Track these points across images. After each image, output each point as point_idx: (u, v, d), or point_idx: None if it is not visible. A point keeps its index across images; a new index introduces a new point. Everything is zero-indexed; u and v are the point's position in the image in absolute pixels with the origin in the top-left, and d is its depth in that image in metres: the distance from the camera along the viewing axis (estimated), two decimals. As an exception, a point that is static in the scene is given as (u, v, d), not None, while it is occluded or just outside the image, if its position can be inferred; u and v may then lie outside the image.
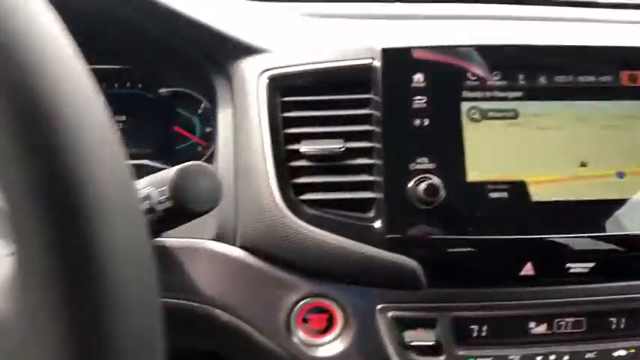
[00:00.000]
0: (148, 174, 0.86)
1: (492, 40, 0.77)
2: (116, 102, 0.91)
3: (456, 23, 0.93)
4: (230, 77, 0.77)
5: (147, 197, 0.52)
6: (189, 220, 0.58)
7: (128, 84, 0.92)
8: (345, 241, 0.67)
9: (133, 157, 0.87)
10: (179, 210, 0.53)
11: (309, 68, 0.72)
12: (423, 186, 0.64)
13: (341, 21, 0.92)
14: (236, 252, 0.73)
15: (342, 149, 0.70)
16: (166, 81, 0.91)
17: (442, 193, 0.66)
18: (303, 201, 0.70)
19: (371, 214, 0.69)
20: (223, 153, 0.76)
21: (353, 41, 0.78)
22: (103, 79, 0.89)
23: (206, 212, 0.56)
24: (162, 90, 0.90)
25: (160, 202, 0.51)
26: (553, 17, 0.96)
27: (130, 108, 0.91)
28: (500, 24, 0.89)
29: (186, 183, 0.52)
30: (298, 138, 0.72)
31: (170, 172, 0.53)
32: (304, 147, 0.70)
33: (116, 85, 0.92)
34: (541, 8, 1.06)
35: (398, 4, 1.08)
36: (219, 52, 0.77)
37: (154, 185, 0.52)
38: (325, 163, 0.71)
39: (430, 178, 0.66)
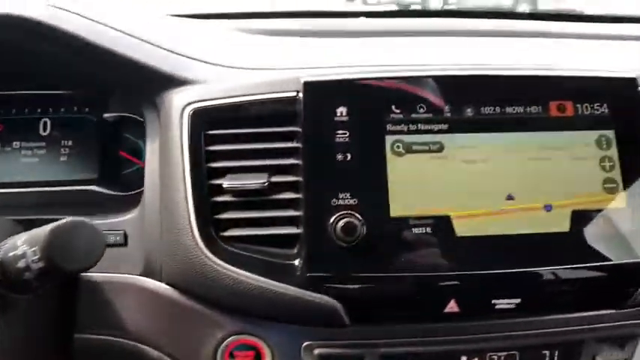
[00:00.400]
0: (93, 200, 0.86)
1: (430, 67, 0.75)
2: (63, 126, 0.90)
3: (399, 45, 0.92)
4: (158, 109, 0.76)
5: (23, 255, 0.50)
6: (70, 277, 0.56)
7: (75, 108, 0.91)
8: (265, 280, 0.66)
9: (79, 183, 0.86)
10: (53, 269, 0.51)
11: (234, 101, 0.71)
12: (341, 223, 0.63)
13: (276, 41, 0.91)
14: (162, 288, 0.72)
15: (266, 184, 0.69)
16: (111, 106, 0.90)
17: (362, 230, 0.65)
18: (226, 238, 0.69)
19: (294, 250, 0.67)
20: (150, 186, 0.75)
21: (284, 66, 0.78)
22: (49, 103, 0.89)
23: (86, 269, 0.54)
24: (108, 115, 0.89)
25: (34, 262, 0.50)
26: (515, 31, 0.96)
27: (77, 132, 0.90)
28: (444, 45, 0.89)
29: (60, 242, 0.50)
30: (222, 172, 0.71)
31: (45, 230, 0.52)
32: (227, 182, 0.69)
33: (62, 109, 0.91)
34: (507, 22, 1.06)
35: (362, 18, 1.08)
36: (146, 85, 0.76)
37: (29, 243, 0.51)
38: (249, 198, 0.70)
39: (351, 215, 0.65)
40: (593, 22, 1.15)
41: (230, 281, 0.66)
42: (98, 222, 0.75)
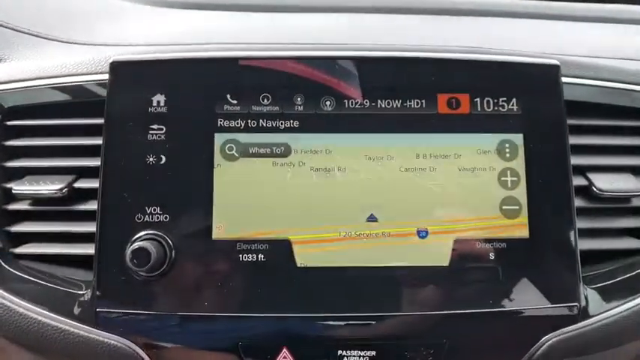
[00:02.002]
0: None
1: (284, 46, 0.59)
2: None
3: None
4: None
5: None
6: None
7: None
8: (51, 315, 0.52)
9: None
10: None
11: (36, 84, 0.57)
12: (131, 248, 0.49)
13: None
14: None
15: (65, 190, 0.55)
16: None
17: (171, 256, 0.50)
18: (19, 256, 0.56)
19: (91, 277, 0.53)
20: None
21: (140, 43, 0.63)
22: None
23: None
24: None
25: None
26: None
27: None
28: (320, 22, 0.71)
29: None
30: (21, 173, 0.57)
31: None
32: (19, 187, 0.55)
33: None
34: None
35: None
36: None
37: None
38: (48, 207, 0.56)
39: (154, 238, 0.50)
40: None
41: (12, 315, 0.52)
42: None
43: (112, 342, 0.51)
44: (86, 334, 0.51)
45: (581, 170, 0.58)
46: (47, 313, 0.52)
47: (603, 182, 0.57)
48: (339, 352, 0.51)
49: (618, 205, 0.57)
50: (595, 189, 0.57)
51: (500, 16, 0.81)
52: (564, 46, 0.69)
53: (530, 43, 0.64)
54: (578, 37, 0.73)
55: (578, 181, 0.57)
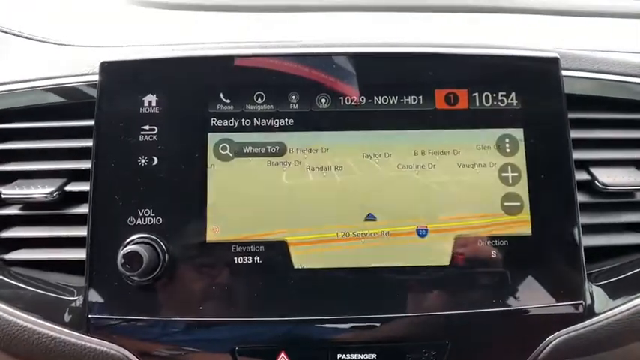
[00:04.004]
0: None
1: (278, 43, 0.58)
2: None
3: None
4: None
5: None
6: None
7: None
8: (41, 322, 0.50)
9: None
10: None
11: (24, 86, 0.55)
12: (122, 252, 0.47)
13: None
14: None
15: (56, 194, 0.53)
16: None
17: (165, 260, 0.49)
18: (9, 262, 0.54)
19: (83, 282, 0.52)
20: None
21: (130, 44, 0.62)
22: None
23: None
24: None
25: None
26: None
27: None
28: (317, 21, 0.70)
29: None
30: (11, 177, 0.56)
31: None
32: (7, 191, 0.54)
33: None
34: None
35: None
36: None
37: None
38: (39, 211, 0.55)
39: (147, 241, 0.49)
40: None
41: (2, 324, 0.51)
42: None
43: (105, 349, 0.49)
44: (78, 341, 0.49)
45: (584, 165, 0.57)
46: (37, 320, 0.50)
47: (606, 177, 0.55)
48: (339, 355, 0.50)
49: (622, 200, 0.56)
50: (598, 184, 0.55)
51: (497, 12, 0.80)
52: (563, 41, 0.68)
53: (529, 38, 0.62)
54: (577, 31, 0.72)
55: (580, 175, 0.55)
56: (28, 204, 0.54)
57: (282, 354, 0.50)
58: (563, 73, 0.55)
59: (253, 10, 0.81)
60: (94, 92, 0.54)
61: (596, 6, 0.84)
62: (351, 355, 0.50)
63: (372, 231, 0.51)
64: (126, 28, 0.69)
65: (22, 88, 0.55)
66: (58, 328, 0.50)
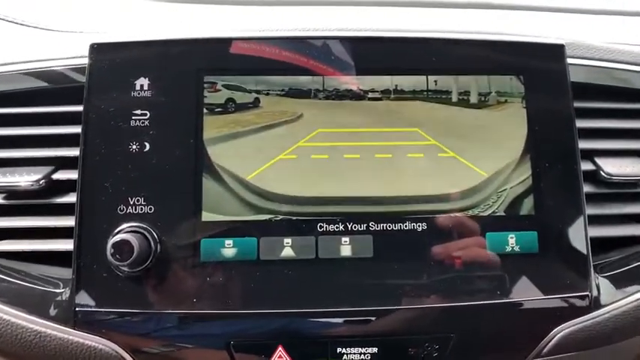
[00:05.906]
0: None
1: (279, 30, 0.56)
2: None
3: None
4: None
5: None
6: None
7: None
8: (25, 317, 0.48)
9: None
10: None
11: (8, 69, 0.53)
12: (112, 241, 0.45)
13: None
14: None
15: (43, 182, 0.51)
16: None
17: (157, 250, 0.47)
18: (-4, 253, 0.52)
19: (70, 274, 0.49)
20: None
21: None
22: None
23: None
24: None
25: None
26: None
27: None
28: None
29: None
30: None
31: None
32: (-8, 179, 0.52)
33: None
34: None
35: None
36: None
37: None
38: (25, 200, 0.52)
39: (138, 230, 0.47)
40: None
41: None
42: None
43: (93, 344, 0.47)
44: (64, 335, 0.47)
45: (589, 155, 0.55)
46: (21, 314, 0.48)
47: (612, 167, 0.54)
48: (339, 349, 0.48)
49: (628, 191, 0.55)
50: (603, 174, 0.54)
51: (500, 8, 0.79)
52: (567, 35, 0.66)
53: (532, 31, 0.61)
54: (582, 27, 0.70)
55: (585, 165, 0.54)
56: (12, 192, 0.52)
57: (280, 348, 0.48)
58: (569, 61, 0.53)
59: (250, 4, 0.80)
60: (81, 76, 0.52)
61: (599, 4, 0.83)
62: (352, 349, 0.48)
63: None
64: (119, 18, 0.67)
65: (5, 72, 0.52)
66: (43, 322, 0.47)
